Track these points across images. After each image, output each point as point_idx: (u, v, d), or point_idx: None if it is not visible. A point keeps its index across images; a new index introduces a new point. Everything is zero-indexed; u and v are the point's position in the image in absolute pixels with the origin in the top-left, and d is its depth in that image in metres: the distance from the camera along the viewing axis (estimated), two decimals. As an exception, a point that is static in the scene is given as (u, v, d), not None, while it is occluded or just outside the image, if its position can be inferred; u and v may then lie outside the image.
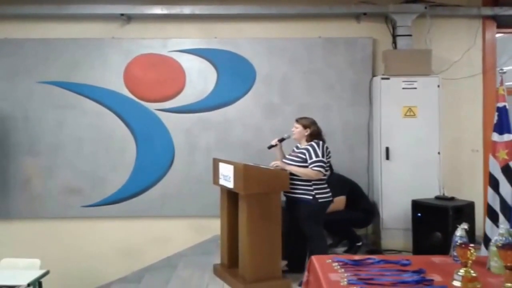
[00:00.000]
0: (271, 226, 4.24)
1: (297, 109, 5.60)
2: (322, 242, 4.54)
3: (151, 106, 5.82)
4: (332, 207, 5.19)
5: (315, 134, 4.52)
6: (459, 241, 2.53)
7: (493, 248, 2.50)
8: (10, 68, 5.77)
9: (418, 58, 5.54)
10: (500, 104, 4.53)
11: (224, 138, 5.84)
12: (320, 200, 4.43)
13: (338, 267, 2.60)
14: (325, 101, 5.83)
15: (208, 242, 5.76)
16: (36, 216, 5.81)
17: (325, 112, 5.78)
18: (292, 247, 4.60)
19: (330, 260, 2.71)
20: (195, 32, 5.88)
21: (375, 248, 5.49)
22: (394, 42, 5.76)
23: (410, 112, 5.50)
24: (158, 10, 5.69)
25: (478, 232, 4.74)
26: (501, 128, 4.54)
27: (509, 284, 2.15)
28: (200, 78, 5.83)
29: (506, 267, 2.17)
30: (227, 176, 4.39)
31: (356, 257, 2.78)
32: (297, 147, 4.61)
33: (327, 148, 4.48)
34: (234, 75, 5.82)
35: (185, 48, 5.82)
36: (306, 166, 4.37)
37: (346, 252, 5.33)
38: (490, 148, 4.98)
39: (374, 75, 5.81)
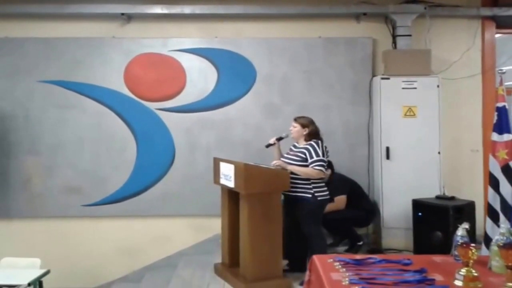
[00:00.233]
0: (272, 226, 4.25)
1: (297, 108, 5.60)
2: (322, 240, 4.56)
3: (152, 105, 5.83)
4: (333, 207, 5.24)
5: (314, 134, 4.54)
6: (460, 241, 2.54)
7: (494, 247, 2.50)
8: (11, 67, 5.77)
9: (418, 58, 5.55)
10: (500, 104, 4.55)
11: (225, 137, 5.85)
12: (319, 198, 4.45)
13: (340, 266, 2.60)
14: (325, 101, 5.84)
15: (208, 241, 5.77)
16: (36, 215, 5.81)
17: (325, 112, 5.80)
18: (292, 246, 4.60)
19: (331, 260, 2.71)
20: (195, 31, 5.88)
21: (376, 247, 5.50)
22: (394, 42, 5.77)
23: (410, 112, 5.52)
24: (158, 9, 5.69)
25: (479, 232, 4.75)
26: (500, 128, 4.55)
27: (511, 284, 2.16)
28: (201, 77, 5.84)
29: (508, 267, 2.17)
30: (228, 175, 4.40)
31: (358, 256, 2.78)
32: (295, 146, 4.63)
33: (325, 147, 4.51)
34: (235, 75, 5.83)
35: (185, 48, 5.83)
36: (306, 165, 4.38)
37: (347, 251, 5.35)
38: (489, 148, 4.99)
39: (374, 75, 5.82)
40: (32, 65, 5.77)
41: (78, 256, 5.83)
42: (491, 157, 4.66)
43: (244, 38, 5.86)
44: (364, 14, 5.76)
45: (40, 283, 4.17)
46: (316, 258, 2.80)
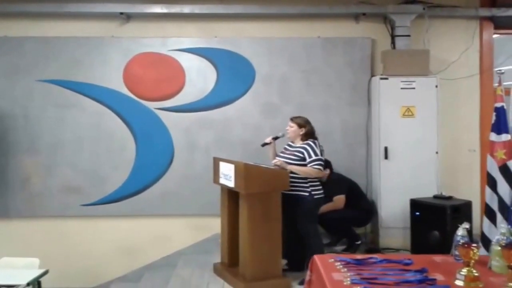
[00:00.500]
0: (272, 225, 4.26)
1: (296, 108, 5.62)
2: (319, 240, 4.60)
3: (151, 105, 5.83)
4: (332, 206, 5.27)
5: (310, 133, 4.58)
6: (461, 241, 2.56)
7: (495, 247, 2.52)
8: (10, 66, 5.76)
9: (416, 59, 5.56)
10: (498, 104, 4.58)
11: (224, 137, 5.86)
12: (315, 197, 4.50)
13: (341, 266, 2.61)
14: (324, 101, 5.86)
15: (207, 240, 5.77)
16: (35, 215, 5.80)
17: (324, 112, 5.83)
18: (291, 246, 4.62)
19: (332, 260, 2.72)
20: (194, 31, 5.89)
21: (374, 246, 5.51)
22: (393, 43, 5.78)
23: (408, 112, 5.53)
24: (157, 9, 5.69)
25: (475, 231, 4.78)
26: (499, 128, 4.59)
27: (513, 284, 2.17)
28: (200, 77, 5.84)
29: (510, 267, 2.18)
30: (227, 175, 4.41)
31: (359, 256, 2.79)
32: (290, 146, 4.66)
33: (321, 146, 4.56)
34: (234, 75, 5.83)
35: (184, 47, 5.83)
36: (304, 165, 4.42)
37: (345, 250, 5.36)
38: (487, 148, 5.03)
39: (372, 75, 5.83)
40: (31, 64, 5.76)
41: (77, 256, 5.83)
42: (489, 157, 4.70)
43: (243, 38, 5.86)
44: (364, 14, 5.77)
45: (39, 283, 4.16)
46: (317, 258, 2.81)
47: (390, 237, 5.50)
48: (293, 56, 5.85)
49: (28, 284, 3.85)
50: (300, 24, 5.89)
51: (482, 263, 2.55)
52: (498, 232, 2.60)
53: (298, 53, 5.84)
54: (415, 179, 5.46)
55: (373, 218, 5.62)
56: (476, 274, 2.31)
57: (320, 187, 4.56)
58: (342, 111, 5.87)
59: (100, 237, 5.87)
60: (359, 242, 5.41)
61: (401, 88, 5.52)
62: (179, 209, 5.85)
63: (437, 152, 5.52)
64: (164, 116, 5.83)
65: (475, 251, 2.29)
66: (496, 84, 4.66)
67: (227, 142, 5.84)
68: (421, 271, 2.50)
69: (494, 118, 4.63)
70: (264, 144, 4.75)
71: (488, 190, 4.67)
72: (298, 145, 4.55)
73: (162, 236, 5.87)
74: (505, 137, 4.56)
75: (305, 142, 4.52)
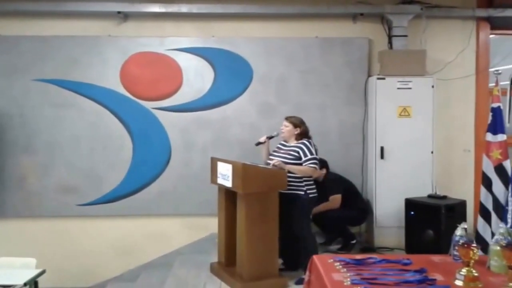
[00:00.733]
0: (269, 225, 4.27)
1: (293, 108, 5.63)
2: (313, 239, 4.64)
3: (148, 104, 5.81)
4: (328, 206, 5.30)
5: (304, 133, 4.62)
6: (461, 241, 2.57)
7: (493, 247, 2.53)
8: (6, 66, 5.73)
9: (413, 59, 5.58)
10: (495, 105, 4.60)
11: (221, 137, 5.86)
12: (310, 196, 4.54)
13: (340, 266, 2.62)
14: (321, 101, 5.87)
15: (204, 240, 5.78)
16: (32, 214, 5.79)
17: (321, 112, 5.84)
18: (286, 245, 4.62)
19: (332, 260, 2.73)
20: (192, 30, 5.87)
21: (369, 246, 5.54)
22: (390, 43, 5.79)
23: (404, 112, 5.55)
24: (155, 8, 5.67)
25: (469, 230, 4.79)
26: (495, 128, 4.61)
27: (513, 284, 2.18)
28: (197, 77, 5.83)
29: (510, 267, 2.19)
30: (225, 175, 4.41)
31: (358, 256, 2.80)
32: (284, 145, 4.68)
33: (315, 146, 4.59)
34: (231, 74, 5.83)
35: (182, 47, 5.81)
36: (299, 164, 4.45)
37: (340, 250, 5.39)
38: (481, 148, 5.05)
39: (369, 75, 5.85)
40: (28, 63, 5.73)
41: (74, 256, 5.82)
42: (484, 157, 4.72)
43: (241, 37, 5.86)
44: (361, 14, 5.78)
45: (36, 283, 4.14)
46: (316, 258, 2.82)
47: (384, 237, 5.53)
48: (290, 56, 5.85)
49: (25, 284, 3.82)
50: (298, 24, 5.89)
51: (480, 262, 2.56)
52: (496, 231, 2.61)
53: (296, 53, 5.85)
54: (411, 178, 5.49)
55: (368, 218, 5.64)
56: (476, 274, 2.32)
57: (314, 186, 4.60)
58: (339, 111, 5.89)
59: (97, 237, 5.87)
60: (354, 242, 5.44)
61: (398, 88, 5.53)
62: (176, 209, 5.85)
63: (432, 152, 5.54)
64: (161, 116, 5.82)
65: (475, 251, 2.31)
66: (493, 84, 4.68)
67: (224, 141, 5.84)
68: (421, 271, 2.51)
69: (490, 118, 4.65)
70: (258, 143, 4.77)
71: (483, 189, 4.70)
72: (292, 145, 4.58)
73: (159, 236, 5.87)
74: (501, 137, 4.58)
75: (300, 141, 4.55)
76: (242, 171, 4.12)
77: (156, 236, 5.87)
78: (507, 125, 4.59)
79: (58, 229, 5.84)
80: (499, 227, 2.64)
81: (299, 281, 4.36)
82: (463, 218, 4.89)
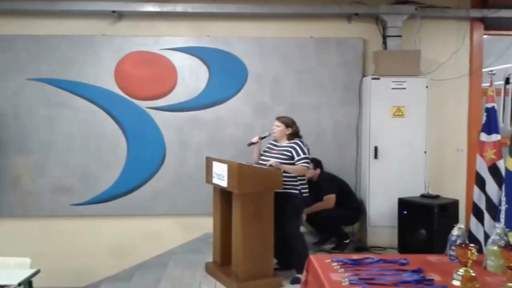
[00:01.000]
0: (264, 225, 4.27)
1: (288, 108, 5.65)
2: (303, 239, 4.66)
3: (142, 104, 5.80)
4: (322, 205, 5.32)
5: (296, 133, 4.65)
6: (458, 241, 2.58)
7: (490, 247, 2.54)
8: (1, 65, 5.69)
9: (408, 59, 5.60)
10: (489, 105, 4.62)
11: (216, 136, 5.85)
12: (304, 195, 4.57)
13: (338, 267, 2.63)
14: (316, 101, 5.88)
15: (198, 240, 5.78)
16: (26, 214, 5.77)
17: (316, 112, 5.86)
18: (280, 245, 4.61)
19: (329, 260, 2.74)
20: (187, 30, 5.86)
21: (362, 245, 5.57)
22: (384, 43, 5.80)
23: (398, 112, 5.57)
24: (150, 7, 5.65)
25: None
26: (489, 128, 4.63)
27: (511, 284, 2.19)
28: (192, 76, 5.82)
29: (509, 267, 2.20)
30: (220, 175, 4.41)
31: (355, 256, 2.81)
32: (275, 145, 4.70)
33: (307, 145, 4.61)
34: (226, 74, 5.83)
35: (177, 46, 5.80)
36: (292, 163, 4.47)
37: (334, 249, 5.41)
38: (474, 147, 5.08)
39: (364, 75, 5.86)
40: (22, 62, 5.70)
41: (68, 255, 5.80)
42: (478, 157, 4.73)
43: (236, 37, 5.85)
44: (356, 14, 5.79)
45: (30, 283, 4.12)
46: (313, 258, 2.83)
47: (377, 236, 5.55)
48: (285, 56, 5.85)
49: (19, 284, 3.79)
50: (293, 24, 5.90)
51: (475, 262, 2.58)
52: (492, 231, 2.62)
53: (291, 53, 5.85)
54: (404, 178, 5.52)
55: (362, 217, 5.67)
56: (473, 274, 2.33)
57: (307, 186, 4.64)
58: (334, 111, 5.90)
59: (91, 237, 5.85)
60: (347, 241, 5.46)
61: (392, 88, 5.55)
62: (170, 209, 5.85)
63: (425, 152, 5.56)
64: (156, 116, 5.81)
65: (473, 251, 2.32)
66: (488, 84, 4.70)
67: (219, 141, 5.84)
68: (418, 271, 2.52)
69: (485, 118, 4.67)
70: (251, 144, 4.78)
71: (476, 189, 4.72)
72: (285, 144, 4.60)
73: (153, 235, 5.86)
74: (495, 137, 4.60)
75: (292, 141, 4.58)
76: (237, 171, 4.12)
77: (150, 236, 5.86)
78: (501, 125, 4.61)
79: (52, 228, 5.82)
80: (495, 227, 2.65)
81: (294, 280, 4.38)
82: (456, 218, 4.95)
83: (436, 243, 4.72)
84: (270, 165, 4.37)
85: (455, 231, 2.72)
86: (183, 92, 5.82)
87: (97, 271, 5.75)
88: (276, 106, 5.79)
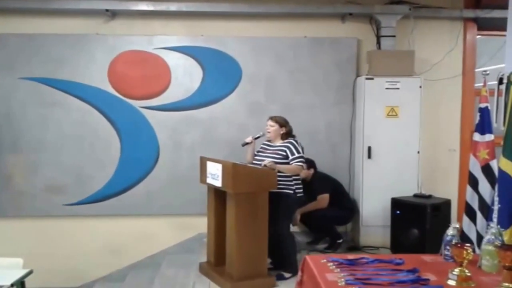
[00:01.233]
0: (259, 225, 4.27)
1: (282, 108, 5.64)
2: (293, 238, 4.68)
3: (136, 103, 5.78)
4: (316, 205, 5.33)
5: (289, 133, 4.66)
6: (453, 241, 2.58)
7: (485, 247, 2.55)
8: (-8, 64, 5.66)
9: (402, 59, 5.61)
10: (483, 105, 4.62)
11: (209, 136, 5.84)
12: (298, 195, 4.59)
13: (334, 267, 2.63)
14: (309, 100, 5.88)
15: (192, 240, 5.78)
16: (19, 214, 5.74)
17: (310, 112, 5.86)
18: (273, 244, 4.62)
19: (325, 260, 2.74)
20: (181, 29, 5.84)
21: (354, 245, 5.60)
22: (378, 43, 5.81)
23: (392, 112, 5.58)
24: (143, 6, 5.63)
25: (454, 230, 4.86)
26: (482, 128, 4.63)
27: (507, 284, 2.19)
28: (186, 76, 5.81)
29: (505, 267, 2.20)
30: (215, 174, 4.40)
31: (350, 256, 2.81)
32: (269, 145, 4.71)
33: (300, 144, 4.62)
34: (220, 74, 5.81)
35: (171, 46, 5.78)
36: (287, 163, 4.48)
37: (327, 248, 5.43)
38: (466, 147, 5.09)
39: (358, 75, 5.87)
40: (14, 61, 5.66)
41: (61, 256, 5.77)
42: (471, 157, 4.74)
43: (230, 36, 5.84)
44: (350, 14, 5.79)
45: (23, 284, 4.09)
46: (309, 258, 2.82)
47: (370, 235, 5.58)
48: (279, 55, 5.85)
49: (12, 285, 3.76)
50: (287, 23, 5.89)
51: (469, 262, 2.58)
52: (486, 231, 2.63)
53: (285, 52, 5.85)
54: (397, 178, 5.54)
55: (355, 217, 5.68)
56: (469, 274, 2.34)
57: (301, 186, 4.65)
58: (328, 111, 5.90)
59: (84, 237, 5.82)
60: (341, 241, 5.48)
61: (386, 88, 5.56)
62: (164, 208, 5.84)
63: (418, 152, 5.58)
64: (150, 115, 5.79)
65: (469, 251, 2.32)
66: (481, 84, 4.71)
67: (213, 141, 5.83)
68: (413, 271, 2.53)
69: (478, 118, 4.68)
70: (245, 144, 4.78)
71: (469, 189, 4.72)
72: (279, 144, 4.60)
73: (147, 235, 5.85)
74: (488, 137, 4.60)
75: (287, 141, 4.59)
76: (232, 171, 4.11)
77: (144, 236, 5.84)
78: (494, 125, 4.63)
79: (45, 229, 5.79)
80: (490, 227, 2.66)
81: (279, 277, 4.44)
82: (448, 218, 4.99)
83: (428, 242, 4.75)
84: (265, 165, 4.36)
85: (450, 231, 2.72)
86: (177, 91, 5.80)
87: (90, 271, 5.73)
88: (270, 105, 5.78)
